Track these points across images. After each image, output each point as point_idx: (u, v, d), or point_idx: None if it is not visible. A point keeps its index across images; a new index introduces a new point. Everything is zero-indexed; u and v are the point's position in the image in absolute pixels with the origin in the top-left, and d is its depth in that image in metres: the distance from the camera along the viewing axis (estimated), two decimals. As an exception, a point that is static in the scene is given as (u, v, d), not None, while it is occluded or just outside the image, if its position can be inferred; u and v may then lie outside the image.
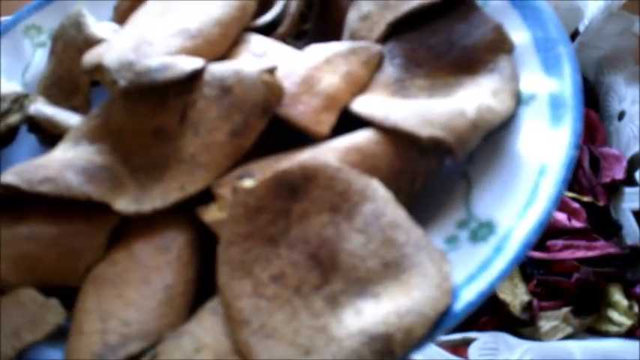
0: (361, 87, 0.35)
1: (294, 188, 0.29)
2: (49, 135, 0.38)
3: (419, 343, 0.26)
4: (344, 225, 0.29)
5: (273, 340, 0.26)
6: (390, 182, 0.30)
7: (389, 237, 0.28)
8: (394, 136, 0.31)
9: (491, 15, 0.35)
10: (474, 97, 0.32)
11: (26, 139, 0.41)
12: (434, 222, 0.31)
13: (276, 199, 0.29)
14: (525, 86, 0.33)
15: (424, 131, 0.30)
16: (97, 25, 0.41)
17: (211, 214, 0.30)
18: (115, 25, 0.42)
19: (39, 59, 0.46)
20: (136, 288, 0.30)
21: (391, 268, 0.28)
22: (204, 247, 0.31)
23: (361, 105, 0.33)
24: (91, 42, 0.39)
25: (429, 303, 0.26)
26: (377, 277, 0.28)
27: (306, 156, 0.30)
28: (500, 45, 0.34)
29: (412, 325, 0.25)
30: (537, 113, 0.32)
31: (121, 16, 0.43)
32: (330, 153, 0.31)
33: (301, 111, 0.32)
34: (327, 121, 0.32)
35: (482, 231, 0.29)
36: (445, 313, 0.26)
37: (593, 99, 0.73)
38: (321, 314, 0.27)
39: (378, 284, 0.27)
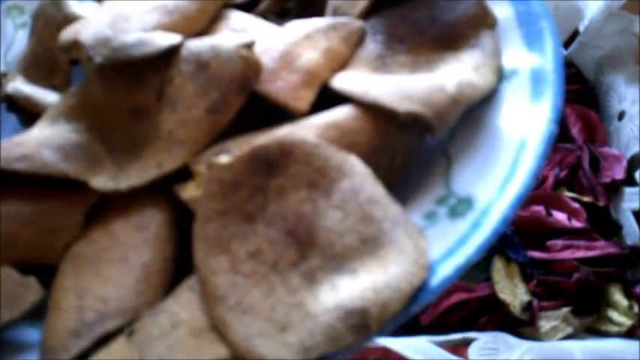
0: (341, 63, 0.34)
1: (271, 164, 0.29)
2: (28, 114, 0.38)
3: (395, 317, 0.25)
4: (321, 201, 0.28)
5: (250, 317, 0.26)
6: (369, 158, 0.30)
7: (366, 213, 0.28)
8: (374, 112, 0.31)
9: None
10: (455, 73, 0.32)
11: (7, 119, 0.40)
12: (413, 198, 0.31)
13: (252, 175, 0.29)
14: (507, 61, 0.33)
15: (403, 106, 0.30)
16: (77, 3, 0.40)
17: (189, 192, 0.30)
18: (95, 4, 0.42)
19: (20, 40, 0.45)
20: (113, 266, 0.29)
21: (368, 243, 0.27)
22: (183, 225, 0.31)
23: (341, 81, 0.33)
24: (70, 20, 0.38)
25: (405, 278, 0.26)
26: (354, 253, 0.27)
27: (283, 132, 0.30)
28: (482, 20, 0.34)
29: (388, 300, 0.25)
30: (518, 88, 0.32)
31: (102, -5, 0.42)
32: (308, 129, 0.30)
33: (280, 87, 0.32)
34: (305, 97, 0.32)
35: (460, 207, 0.29)
36: (421, 288, 0.26)
37: (593, 99, 0.74)
38: (297, 290, 0.27)
39: (355, 260, 0.27)
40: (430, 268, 0.26)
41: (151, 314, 0.27)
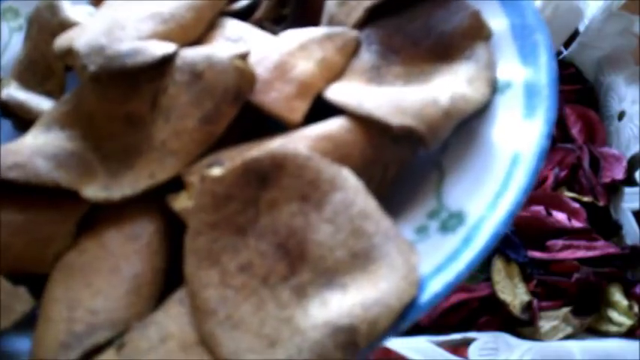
0: (336, 73, 0.34)
1: (264, 177, 0.29)
2: (23, 120, 0.37)
3: (384, 334, 0.25)
4: (313, 214, 0.28)
5: (239, 331, 0.26)
6: (362, 171, 0.30)
7: (358, 227, 0.28)
8: (367, 124, 0.31)
9: (470, 1, 0.35)
10: (449, 86, 0.32)
11: (2, 124, 0.40)
12: (405, 211, 0.31)
13: (244, 188, 0.29)
14: (501, 74, 0.33)
15: (395, 120, 0.30)
16: (72, 8, 0.40)
17: (181, 202, 0.30)
18: (91, 8, 0.42)
19: (15, 43, 0.45)
20: (104, 277, 0.29)
21: (359, 258, 0.27)
22: (175, 236, 0.31)
23: (335, 92, 0.33)
24: (66, 25, 0.38)
25: (394, 294, 0.26)
26: (345, 268, 0.27)
27: (276, 144, 0.30)
28: (477, 32, 0.34)
29: (377, 317, 0.25)
30: (512, 102, 0.31)
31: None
32: (301, 141, 0.30)
33: (274, 98, 0.32)
34: (299, 109, 0.32)
35: (451, 221, 0.29)
36: (411, 305, 0.26)
37: (593, 99, 0.74)
38: (287, 305, 0.27)
39: (346, 275, 0.27)
40: (420, 285, 0.26)
41: (141, 327, 0.27)
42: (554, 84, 0.31)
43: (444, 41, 0.34)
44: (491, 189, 0.29)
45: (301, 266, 0.28)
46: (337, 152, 0.30)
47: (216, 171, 0.29)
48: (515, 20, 0.34)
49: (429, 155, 0.32)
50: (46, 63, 0.39)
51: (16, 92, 0.37)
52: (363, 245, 0.28)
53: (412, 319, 0.26)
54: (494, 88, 0.32)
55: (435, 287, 0.26)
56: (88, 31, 0.34)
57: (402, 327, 0.26)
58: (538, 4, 0.70)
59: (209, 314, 0.27)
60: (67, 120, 0.34)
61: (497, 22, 0.34)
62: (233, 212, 0.28)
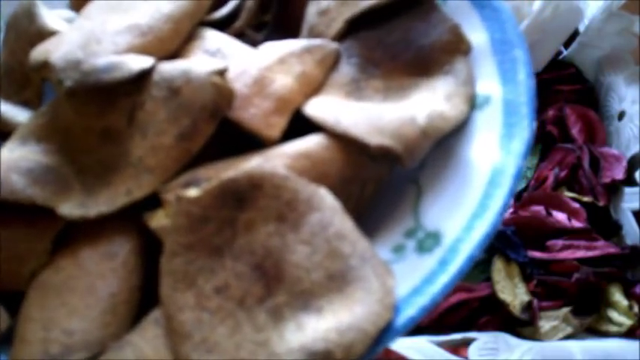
0: (315, 87, 0.34)
1: (241, 197, 0.29)
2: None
3: (359, 359, 0.25)
4: (290, 235, 0.28)
5: (215, 355, 0.26)
6: (339, 189, 0.30)
7: (334, 248, 0.28)
8: (345, 141, 0.31)
9: (451, 15, 0.35)
10: (426, 103, 0.32)
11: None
12: (383, 229, 0.31)
13: (221, 209, 0.29)
14: (480, 90, 0.33)
15: (373, 139, 0.30)
16: (51, 14, 0.39)
17: (158, 220, 0.30)
18: (70, 13, 0.41)
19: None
20: (80, 296, 0.29)
21: (335, 280, 0.27)
22: (152, 253, 0.31)
23: (313, 108, 0.33)
24: (43, 34, 0.38)
25: (369, 319, 0.26)
26: (321, 290, 0.27)
27: (254, 162, 0.30)
28: (456, 46, 0.34)
29: (352, 342, 0.25)
30: (490, 119, 0.32)
31: (77, 3, 0.42)
32: (279, 159, 0.30)
33: (252, 114, 0.32)
34: (277, 125, 0.32)
35: (428, 241, 0.29)
36: (386, 329, 0.26)
37: (593, 99, 0.74)
38: (263, 328, 0.27)
39: (322, 297, 0.27)
40: (395, 308, 0.27)
41: (116, 348, 0.27)
42: (532, 102, 0.31)
43: (424, 55, 0.34)
44: (468, 209, 0.29)
45: (277, 288, 0.28)
46: (315, 170, 0.30)
47: (192, 192, 0.29)
48: (495, 35, 0.34)
49: (406, 172, 0.32)
50: (23, 71, 0.39)
51: (-8, 104, 0.36)
52: (340, 267, 0.28)
53: (387, 343, 0.26)
54: (473, 104, 0.32)
55: (410, 311, 0.26)
56: (64, 43, 0.34)
57: (376, 351, 0.26)
58: (538, 4, 0.69)
59: (184, 337, 0.27)
60: (44, 133, 0.33)
61: (477, 36, 0.34)
62: (209, 233, 0.28)
